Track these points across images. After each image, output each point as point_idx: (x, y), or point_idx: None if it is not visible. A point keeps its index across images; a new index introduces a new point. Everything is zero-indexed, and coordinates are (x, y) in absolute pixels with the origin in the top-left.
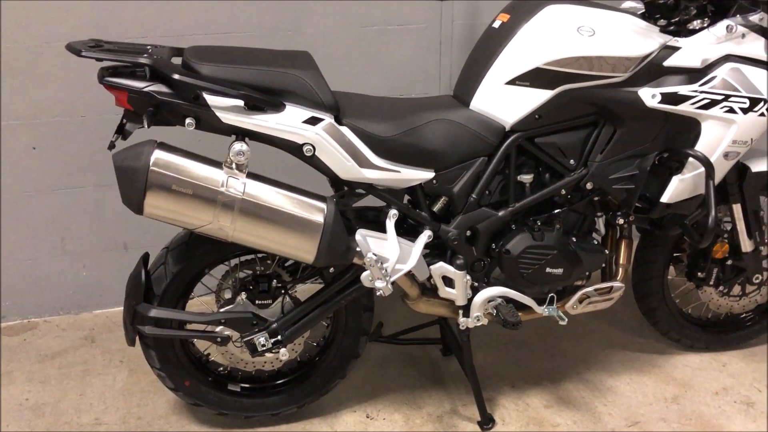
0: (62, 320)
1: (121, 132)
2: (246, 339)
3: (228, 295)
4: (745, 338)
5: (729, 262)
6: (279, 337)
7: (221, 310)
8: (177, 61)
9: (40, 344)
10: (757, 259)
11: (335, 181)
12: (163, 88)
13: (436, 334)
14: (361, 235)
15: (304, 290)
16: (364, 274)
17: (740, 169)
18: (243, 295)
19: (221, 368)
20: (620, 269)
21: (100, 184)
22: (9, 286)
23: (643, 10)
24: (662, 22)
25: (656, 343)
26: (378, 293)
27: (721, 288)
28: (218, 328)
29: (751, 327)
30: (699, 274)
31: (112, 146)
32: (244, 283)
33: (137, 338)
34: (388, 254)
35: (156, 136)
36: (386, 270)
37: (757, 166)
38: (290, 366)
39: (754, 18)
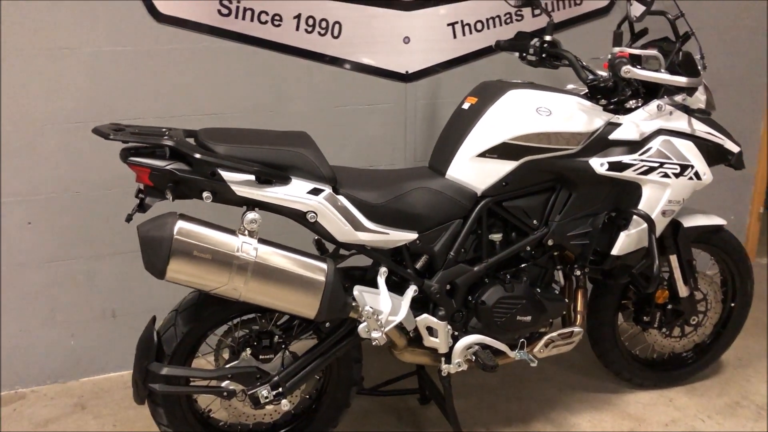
0: (50, 389)
1: (141, 206)
2: (250, 392)
3: (226, 353)
4: (687, 375)
5: (669, 307)
6: (280, 389)
7: (227, 366)
8: (189, 141)
9: (31, 413)
10: (692, 302)
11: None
12: (182, 166)
13: (411, 384)
14: (358, 290)
15: (300, 346)
16: (361, 326)
17: (674, 225)
18: (248, 351)
19: (222, 423)
20: (578, 316)
21: (92, 255)
22: None
23: (586, 91)
24: (603, 101)
25: (609, 384)
26: (374, 343)
27: (663, 330)
28: (224, 383)
29: (692, 364)
30: (644, 318)
31: (129, 219)
32: (247, 341)
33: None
34: (382, 307)
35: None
36: (381, 322)
37: (688, 222)
38: (285, 418)
39: (678, 98)
